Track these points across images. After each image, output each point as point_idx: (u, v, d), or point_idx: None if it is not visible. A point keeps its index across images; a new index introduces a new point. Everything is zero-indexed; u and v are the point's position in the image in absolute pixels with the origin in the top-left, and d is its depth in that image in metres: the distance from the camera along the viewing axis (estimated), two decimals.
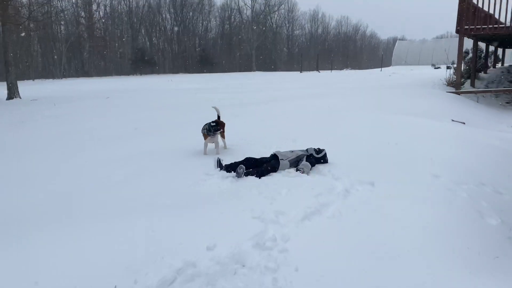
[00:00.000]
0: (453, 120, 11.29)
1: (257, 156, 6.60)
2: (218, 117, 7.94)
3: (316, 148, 6.74)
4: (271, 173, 5.98)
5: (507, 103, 17.77)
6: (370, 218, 4.35)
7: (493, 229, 4.51)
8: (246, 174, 5.78)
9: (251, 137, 8.59)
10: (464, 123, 11.21)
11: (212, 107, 8.17)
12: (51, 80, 49.25)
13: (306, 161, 6.27)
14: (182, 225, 4.11)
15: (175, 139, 8.56)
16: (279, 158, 6.26)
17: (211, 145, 7.40)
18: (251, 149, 7.51)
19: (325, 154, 6.64)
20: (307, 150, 6.74)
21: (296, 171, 6.00)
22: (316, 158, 6.55)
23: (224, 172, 6.04)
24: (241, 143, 8.11)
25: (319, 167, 6.37)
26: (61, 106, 17.00)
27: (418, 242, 3.93)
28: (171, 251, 3.46)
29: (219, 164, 6.25)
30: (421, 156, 6.72)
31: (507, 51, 26.68)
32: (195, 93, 20.29)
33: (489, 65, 23.62)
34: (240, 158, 6.45)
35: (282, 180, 5.59)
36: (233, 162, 6.37)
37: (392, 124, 9.63)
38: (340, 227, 4.11)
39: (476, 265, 3.78)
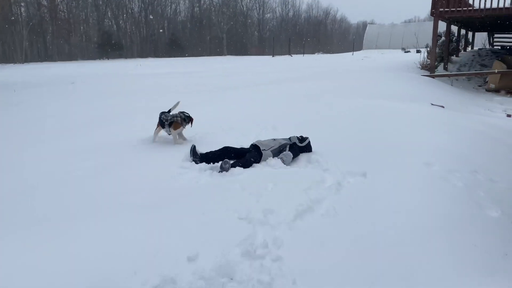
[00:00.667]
0: (432, 104, 11.08)
1: (236, 146, 6.08)
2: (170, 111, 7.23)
3: (299, 136, 6.28)
4: (253, 165, 5.49)
5: (480, 86, 17.90)
6: (367, 214, 3.94)
7: (495, 222, 4.20)
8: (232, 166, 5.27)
9: (227, 124, 8.03)
10: (443, 107, 11.02)
11: (174, 105, 7.40)
12: (11, 65, 46.57)
13: (289, 150, 5.80)
14: (156, 229, 3.56)
15: (144, 128, 7.89)
16: (261, 148, 5.76)
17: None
18: (228, 137, 6.97)
19: (309, 142, 6.19)
20: (289, 138, 6.27)
21: (277, 158, 5.51)
22: (300, 147, 6.09)
23: (201, 164, 5.49)
24: (217, 131, 7.55)
25: (304, 156, 5.92)
26: (21, 92, 15.81)
27: (423, 240, 3.55)
28: (144, 263, 2.92)
29: (194, 153, 5.70)
30: (409, 142, 6.37)
31: (477, 35, 26.96)
32: (165, 78, 19.42)
33: (460, 48, 23.78)
34: (216, 148, 5.91)
35: (266, 172, 5.10)
36: (209, 151, 5.82)
37: (374, 109, 9.29)
38: (336, 226, 3.68)
39: (486, 265, 3.43)
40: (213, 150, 5.87)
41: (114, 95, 13.56)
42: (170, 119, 6.64)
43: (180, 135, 6.85)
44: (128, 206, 4.09)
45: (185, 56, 57.45)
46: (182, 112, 6.82)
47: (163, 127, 6.63)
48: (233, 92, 12.77)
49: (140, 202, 4.20)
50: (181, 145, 6.49)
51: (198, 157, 5.66)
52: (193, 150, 5.76)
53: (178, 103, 7.35)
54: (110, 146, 6.69)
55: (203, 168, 5.27)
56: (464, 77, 18.07)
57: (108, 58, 59.81)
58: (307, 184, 4.56)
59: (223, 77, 18.91)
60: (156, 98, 12.34)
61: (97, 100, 12.50)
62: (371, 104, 9.79)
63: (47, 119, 9.93)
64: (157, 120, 6.80)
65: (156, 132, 6.84)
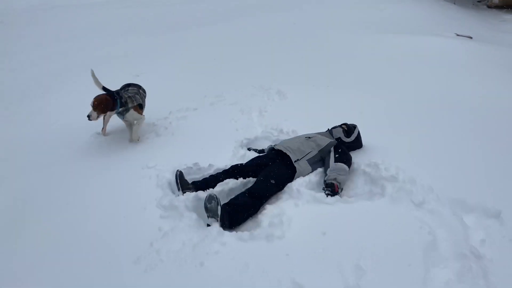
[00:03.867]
0: (458, 35, 8.80)
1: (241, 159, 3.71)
2: (106, 90, 4.35)
3: (341, 124, 3.93)
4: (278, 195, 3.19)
5: (479, 1, 15.69)
6: None
7: None
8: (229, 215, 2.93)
9: (212, 91, 5.51)
10: (471, 38, 8.79)
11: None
12: None
13: (336, 156, 3.47)
14: None
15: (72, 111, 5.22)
16: (292, 158, 3.41)
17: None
18: (218, 121, 4.56)
19: (359, 133, 3.88)
20: (330, 131, 3.91)
21: (326, 190, 3.21)
22: (348, 144, 3.79)
23: (193, 201, 3.13)
24: (198, 108, 5.09)
25: (356, 162, 3.65)
26: None
27: None
28: None
29: (181, 182, 3.29)
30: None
31: None
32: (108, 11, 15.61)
33: None
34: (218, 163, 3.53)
35: (308, 219, 2.83)
36: (208, 176, 3.46)
37: (402, 49, 7.00)
38: None
39: None
40: (213, 174, 3.50)
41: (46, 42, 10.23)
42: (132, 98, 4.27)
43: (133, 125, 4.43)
44: None
45: None
46: (140, 86, 4.62)
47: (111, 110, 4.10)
48: (211, 29, 9.79)
49: None
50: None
51: (189, 188, 3.28)
52: (180, 177, 3.34)
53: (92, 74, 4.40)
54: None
55: (193, 218, 2.94)
56: None
57: None
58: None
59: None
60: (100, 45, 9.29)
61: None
62: (395, 42, 7.43)
63: None
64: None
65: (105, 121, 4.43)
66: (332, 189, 3.17)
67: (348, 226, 2.72)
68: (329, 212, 2.91)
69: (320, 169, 3.51)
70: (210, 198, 2.92)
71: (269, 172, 3.27)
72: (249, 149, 4.04)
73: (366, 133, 4.02)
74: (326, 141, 3.61)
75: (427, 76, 5.90)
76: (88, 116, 3.90)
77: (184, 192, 3.21)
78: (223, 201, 3.21)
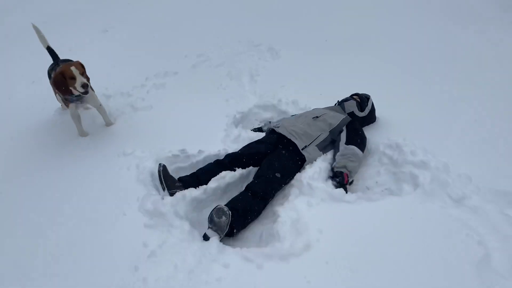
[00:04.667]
0: None
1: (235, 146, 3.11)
2: (51, 53, 3.56)
3: (353, 95, 3.33)
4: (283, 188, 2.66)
5: None
6: None
7: None
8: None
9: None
10: None
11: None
12: None
13: (348, 138, 2.90)
14: None
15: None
16: (298, 145, 2.83)
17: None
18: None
19: (373, 105, 3.30)
20: (340, 104, 3.31)
21: (333, 180, 2.69)
22: (362, 119, 3.21)
23: (179, 205, 2.56)
24: (165, 84, 4.36)
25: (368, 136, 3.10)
26: None
27: None
28: None
29: (166, 180, 2.70)
30: None
31: None
32: None
33: None
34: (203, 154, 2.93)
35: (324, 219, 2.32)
36: (197, 170, 2.85)
37: None
38: None
39: None
40: (203, 166, 2.89)
41: None
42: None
43: (97, 108, 3.55)
44: None
45: None
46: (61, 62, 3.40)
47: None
48: None
49: None
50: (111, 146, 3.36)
51: (179, 187, 2.68)
52: (163, 172, 2.73)
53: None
54: None
55: (184, 229, 2.37)
56: None
57: None
58: None
59: None
60: None
61: None
62: None
63: None
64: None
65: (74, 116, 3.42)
66: (340, 179, 2.65)
67: (378, 236, 2.20)
68: (351, 214, 2.39)
69: (331, 152, 2.96)
70: (221, 213, 2.34)
71: (273, 163, 2.70)
72: (253, 129, 3.47)
73: (378, 103, 3.44)
74: (337, 118, 3.02)
75: (448, 29, 5.20)
76: (85, 87, 3.01)
77: (171, 193, 2.62)
78: (221, 200, 2.66)
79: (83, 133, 3.44)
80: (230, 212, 2.33)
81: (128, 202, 2.64)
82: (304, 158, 2.80)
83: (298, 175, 2.72)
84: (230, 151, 3.08)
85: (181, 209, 2.50)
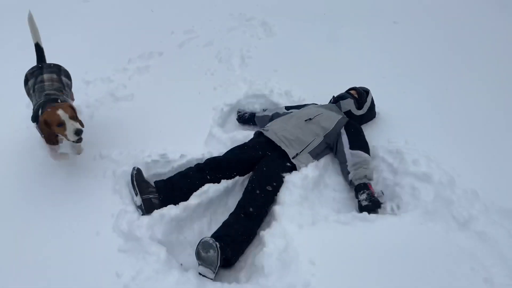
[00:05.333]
0: None
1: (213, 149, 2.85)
2: (38, 52, 2.93)
3: (349, 90, 3.02)
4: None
5: None
6: None
7: None
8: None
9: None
10: None
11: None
12: None
13: (351, 142, 2.63)
14: None
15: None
16: (290, 154, 2.56)
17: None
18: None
19: (372, 100, 3.00)
20: (336, 102, 2.99)
21: (361, 198, 2.43)
22: (360, 118, 2.93)
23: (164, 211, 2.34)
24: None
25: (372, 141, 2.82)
26: None
27: None
28: None
29: (139, 185, 2.46)
30: None
31: None
32: None
33: None
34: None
35: None
36: (177, 173, 2.60)
37: None
38: None
39: None
40: (183, 170, 2.63)
41: None
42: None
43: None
44: None
45: None
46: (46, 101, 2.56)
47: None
48: None
49: None
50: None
51: (153, 192, 2.45)
52: (136, 177, 2.49)
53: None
54: None
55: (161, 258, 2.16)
56: None
57: None
58: None
59: None
60: None
61: None
62: None
63: None
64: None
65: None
66: (367, 192, 2.39)
67: (375, 268, 1.99)
68: (345, 238, 2.17)
69: (323, 159, 2.70)
70: (207, 246, 2.08)
71: (263, 175, 2.44)
72: (239, 113, 3.21)
73: (378, 94, 3.13)
74: (333, 120, 2.72)
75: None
76: (79, 133, 2.45)
77: (143, 199, 2.39)
78: (204, 217, 2.43)
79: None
80: (218, 244, 2.08)
81: (102, 218, 2.42)
82: (295, 167, 2.54)
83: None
84: (215, 154, 2.82)
85: (159, 231, 2.28)
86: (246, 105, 3.45)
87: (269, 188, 2.39)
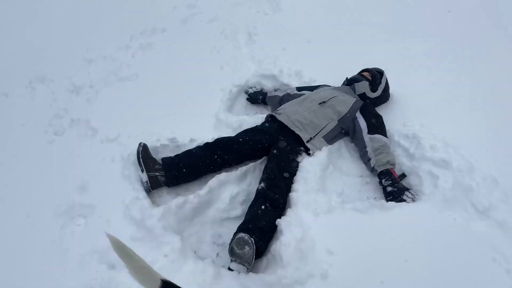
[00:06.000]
0: None
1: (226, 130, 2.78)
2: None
3: (362, 71, 2.92)
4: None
5: None
6: None
7: None
8: None
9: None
10: None
11: None
12: None
13: (369, 126, 2.54)
14: None
15: None
16: (304, 138, 2.49)
17: None
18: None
19: (387, 83, 2.91)
20: (349, 83, 2.90)
21: (385, 184, 2.36)
22: (375, 100, 2.85)
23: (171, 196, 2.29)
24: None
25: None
26: None
27: None
28: None
29: (145, 161, 2.41)
30: None
31: None
32: None
33: None
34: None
35: None
36: (185, 151, 2.53)
37: None
38: None
39: None
40: (191, 148, 2.56)
41: None
42: None
43: None
44: None
45: None
46: None
47: None
48: None
49: None
50: None
51: (159, 170, 2.40)
52: (143, 154, 2.43)
53: None
54: None
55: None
56: None
57: None
58: None
59: None
60: None
61: None
62: None
63: None
64: None
65: None
66: (392, 178, 2.33)
67: (394, 259, 1.96)
68: (362, 227, 2.12)
69: (337, 143, 2.63)
70: (243, 243, 2.00)
71: (280, 161, 2.37)
72: (247, 93, 3.15)
73: (392, 73, 3.04)
74: (347, 104, 2.64)
75: None
76: None
77: (149, 176, 2.34)
78: (216, 204, 2.38)
79: None
80: (253, 240, 2.01)
81: (113, 206, 2.37)
82: (308, 151, 2.48)
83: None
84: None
85: (171, 220, 2.23)
86: (255, 85, 3.34)
87: (286, 175, 2.33)
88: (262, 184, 2.28)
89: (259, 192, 2.27)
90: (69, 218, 2.35)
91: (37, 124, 3.09)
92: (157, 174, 2.42)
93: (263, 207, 2.18)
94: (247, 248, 1.98)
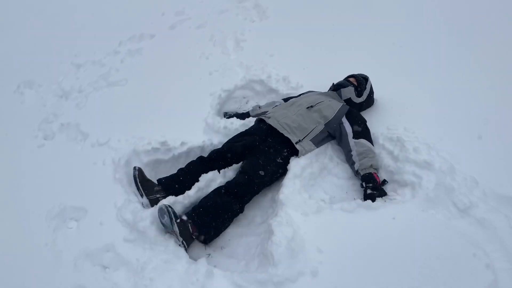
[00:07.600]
0: None
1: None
2: None
3: (348, 77, 3.02)
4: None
5: None
6: None
7: None
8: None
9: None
10: None
11: None
12: None
13: (354, 130, 2.63)
14: None
15: None
16: (293, 140, 2.56)
17: None
18: None
19: (371, 88, 3.01)
20: (335, 88, 2.99)
21: (366, 187, 2.45)
22: (360, 105, 2.95)
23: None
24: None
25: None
26: None
27: None
28: None
29: (143, 185, 2.48)
30: None
31: None
32: None
33: None
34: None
35: None
36: (181, 169, 2.59)
37: None
38: None
39: None
40: (183, 167, 2.61)
41: None
42: None
43: None
44: None
45: None
46: None
47: None
48: None
49: None
50: None
51: (159, 191, 2.46)
52: (139, 177, 2.48)
53: None
54: None
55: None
56: None
57: None
58: None
59: None
60: None
61: None
62: None
63: None
64: None
65: None
66: (373, 182, 2.41)
67: (380, 257, 2.04)
68: (350, 226, 2.20)
69: (324, 146, 2.71)
70: (162, 212, 2.19)
71: (258, 159, 2.45)
72: (226, 116, 3.16)
73: (377, 78, 3.14)
74: (333, 109, 2.72)
75: None
76: None
77: (151, 199, 2.38)
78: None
79: None
80: (171, 209, 2.18)
81: (105, 209, 2.40)
82: (297, 152, 2.56)
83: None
84: (216, 141, 2.82)
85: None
86: (243, 90, 3.41)
87: (261, 173, 2.41)
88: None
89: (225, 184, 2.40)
90: (61, 221, 2.37)
91: (26, 129, 3.09)
92: (158, 196, 2.45)
93: (216, 190, 2.35)
94: (166, 217, 2.15)
